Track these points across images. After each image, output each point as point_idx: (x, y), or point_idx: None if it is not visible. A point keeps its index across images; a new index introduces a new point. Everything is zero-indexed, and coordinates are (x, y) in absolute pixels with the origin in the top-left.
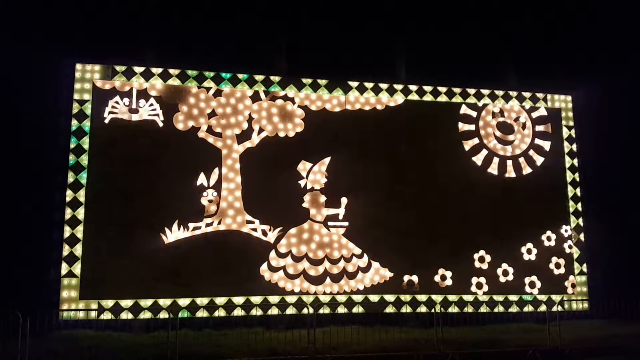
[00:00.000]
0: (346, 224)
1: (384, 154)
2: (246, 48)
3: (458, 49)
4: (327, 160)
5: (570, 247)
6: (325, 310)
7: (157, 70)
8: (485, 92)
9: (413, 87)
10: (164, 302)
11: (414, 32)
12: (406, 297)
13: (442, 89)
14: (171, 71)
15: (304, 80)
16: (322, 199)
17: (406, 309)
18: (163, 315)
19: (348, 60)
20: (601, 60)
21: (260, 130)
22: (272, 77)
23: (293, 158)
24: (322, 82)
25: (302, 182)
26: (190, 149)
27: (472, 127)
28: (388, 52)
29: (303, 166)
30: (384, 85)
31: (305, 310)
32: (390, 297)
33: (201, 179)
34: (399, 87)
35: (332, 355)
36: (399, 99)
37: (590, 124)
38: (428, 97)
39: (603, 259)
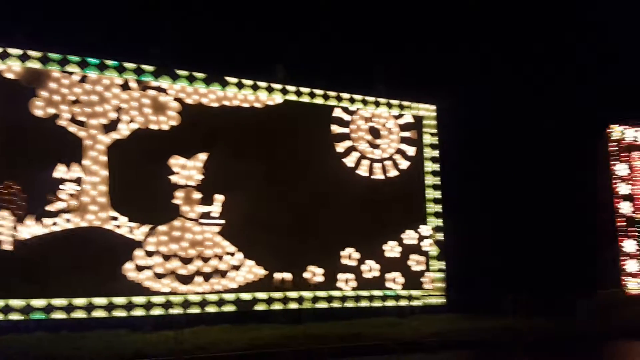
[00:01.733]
0: (222, 222)
1: (261, 152)
2: (117, 34)
3: (335, 55)
4: (203, 156)
5: (429, 245)
6: (195, 309)
7: (15, 52)
8: (358, 97)
9: (291, 88)
10: (16, 303)
11: (296, 35)
12: (278, 295)
13: (319, 92)
14: (31, 53)
15: (179, 72)
16: (196, 195)
17: (276, 306)
18: (14, 316)
19: (227, 56)
20: (463, 72)
21: (130, 121)
22: (144, 67)
23: (166, 152)
24: (199, 75)
25: (174, 178)
26: (49, 138)
27: (345, 130)
28: (269, 52)
29: (176, 161)
30: (262, 84)
31: (173, 311)
32: (262, 295)
33: (60, 171)
34: (277, 86)
35: (200, 355)
36: (278, 98)
37: (451, 132)
38: (305, 99)
39: (459, 257)
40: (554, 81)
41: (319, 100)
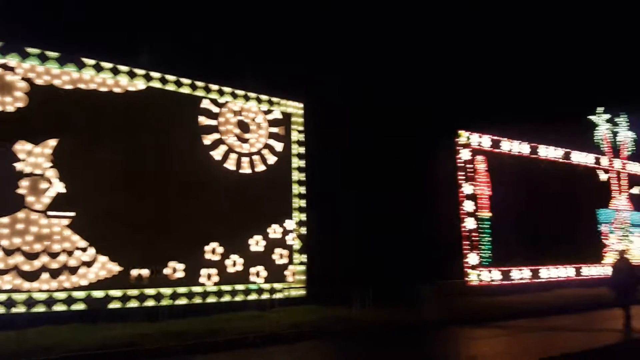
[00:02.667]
0: (72, 214)
1: (119, 141)
2: None
3: (205, 45)
4: (52, 142)
5: (293, 239)
6: (41, 308)
7: None
8: (227, 90)
9: (156, 75)
10: None
11: (165, 20)
12: (134, 292)
13: (186, 81)
14: None
15: (30, 50)
16: (43, 185)
17: (133, 304)
18: None
19: (86, 36)
20: (332, 72)
21: None
22: None
23: (10, 137)
24: (52, 54)
25: (19, 166)
26: None
27: (213, 122)
28: (133, 35)
29: (22, 147)
30: (124, 68)
31: (15, 309)
32: (117, 292)
33: None
34: (140, 72)
35: (44, 358)
36: (140, 84)
37: (317, 129)
38: (171, 87)
39: (320, 251)
40: (410, 86)
41: (186, 90)
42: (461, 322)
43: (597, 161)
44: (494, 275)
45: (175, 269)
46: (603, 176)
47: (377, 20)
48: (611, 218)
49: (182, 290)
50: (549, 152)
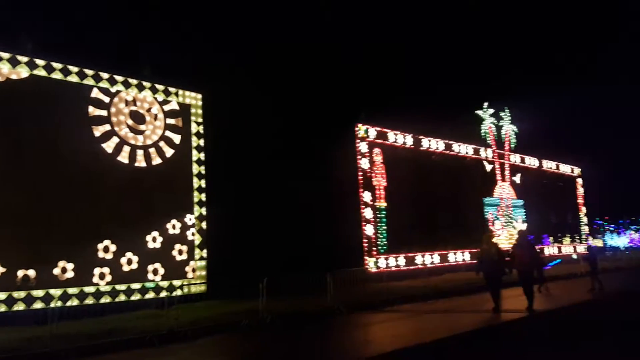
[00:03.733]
0: None
1: (1, 133)
2: None
3: (96, 32)
4: None
5: (192, 234)
6: None
7: None
8: (119, 78)
9: (40, 62)
10: None
11: (49, 4)
12: (20, 294)
13: (74, 69)
14: None
15: None
16: None
17: (19, 307)
18: None
19: None
20: (231, 63)
21: None
22: None
23: None
24: None
25: None
26: None
27: (104, 112)
28: (17, 19)
29: None
30: (4, 55)
31: None
32: (1, 295)
33: None
34: (23, 59)
35: None
36: (23, 72)
37: (216, 121)
38: (57, 75)
39: (221, 245)
40: (312, 79)
41: (74, 78)
42: (361, 308)
43: (482, 152)
44: (390, 262)
45: (65, 268)
46: (488, 167)
47: (279, 12)
48: (496, 205)
49: (73, 290)
50: (440, 145)
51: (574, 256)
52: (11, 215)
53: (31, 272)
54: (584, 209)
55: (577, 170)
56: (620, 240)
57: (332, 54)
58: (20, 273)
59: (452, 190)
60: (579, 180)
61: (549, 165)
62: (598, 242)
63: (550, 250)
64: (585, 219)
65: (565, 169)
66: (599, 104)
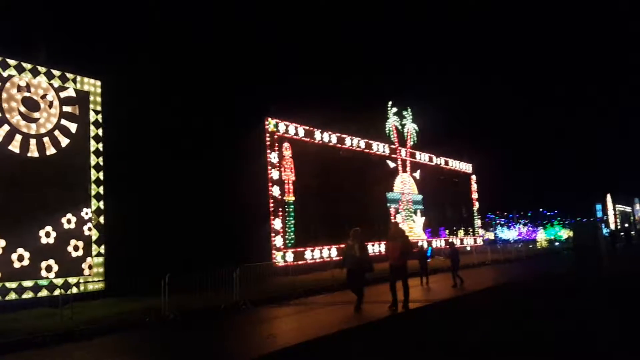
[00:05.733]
0: None
1: None
2: None
3: None
4: None
5: (89, 229)
6: None
7: None
8: (12, 62)
9: None
10: None
11: None
12: None
13: None
14: None
15: None
16: None
17: None
18: None
19: None
20: (137, 48)
21: None
22: None
23: None
24: None
25: None
26: None
27: None
28: None
29: None
30: None
31: None
32: None
33: None
34: None
35: None
36: None
37: (118, 111)
38: None
39: (120, 240)
40: (221, 70)
41: None
42: (267, 302)
43: (386, 149)
44: (297, 256)
45: None
46: (392, 163)
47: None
48: (398, 200)
49: None
50: (347, 141)
51: (468, 248)
52: None
53: None
54: (477, 204)
55: (471, 168)
56: (510, 234)
57: (241, 47)
58: None
59: (357, 185)
60: (473, 177)
61: (446, 162)
62: (490, 235)
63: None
64: (477, 214)
65: (461, 166)
66: (494, 104)
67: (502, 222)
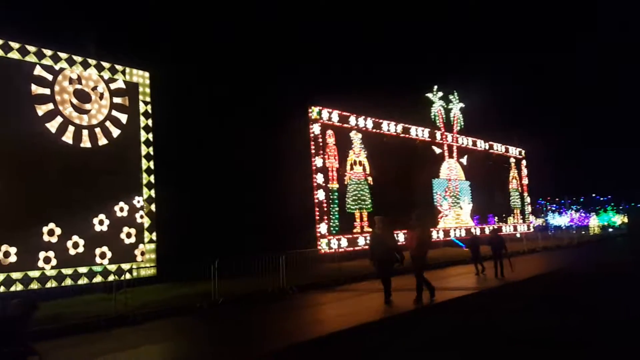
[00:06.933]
0: None
1: None
2: None
3: (38, 6)
4: None
5: (141, 217)
6: None
7: None
8: (64, 55)
9: None
10: None
11: None
12: None
13: (15, 45)
14: None
15: None
16: None
17: None
18: None
19: None
20: (183, 40)
21: None
22: None
23: None
24: None
25: None
26: None
27: (47, 91)
28: None
29: None
30: None
31: None
32: None
33: None
34: None
35: None
36: None
37: (166, 101)
38: None
39: (171, 227)
40: (265, 60)
41: (15, 55)
42: (312, 287)
43: (433, 135)
44: (341, 243)
45: (8, 252)
46: (437, 149)
47: None
48: (444, 187)
49: (16, 275)
50: (392, 127)
51: (518, 235)
52: None
53: None
54: (527, 190)
55: (521, 152)
56: (561, 220)
57: (285, 35)
58: None
59: (402, 171)
60: (524, 162)
61: (494, 147)
62: (540, 221)
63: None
64: (528, 199)
65: (510, 151)
66: (546, 89)
67: (554, 208)
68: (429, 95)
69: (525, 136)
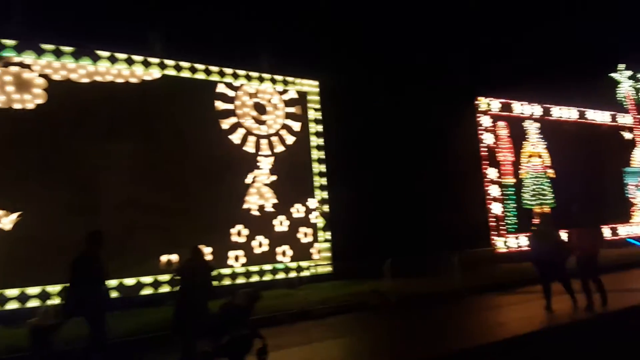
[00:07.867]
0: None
1: (139, 131)
2: None
3: (216, 30)
4: None
5: (316, 217)
6: None
7: None
8: (242, 73)
9: (170, 62)
10: None
11: (173, 8)
12: (165, 277)
13: (200, 67)
14: None
15: (44, 47)
16: None
17: (148, 291)
18: None
19: (98, 28)
20: (344, 51)
21: None
22: (3, 41)
23: (32, 134)
24: (67, 49)
25: None
26: None
27: (230, 106)
28: (145, 24)
29: None
30: (138, 58)
31: None
32: (148, 279)
33: None
34: (154, 60)
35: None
36: (155, 72)
37: (334, 107)
38: (185, 74)
39: (344, 227)
40: (428, 54)
41: (201, 76)
42: (489, 289)
43: (620, 119)
44: (520, 242)
45: (204, 252)
46: (628, 135)
47: None
48: (638, 176)
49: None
50: (572, 113)
51: None
52: (152, 206)
53: (174, 257)
54: None
55: None
56: None
57: (440, 25)
58: (164, 258)
59: (586, 161)
60: None
61: None
62: None
63: None
64: None
65: None
66: None
67: None
68: (614, 75)
69: None
